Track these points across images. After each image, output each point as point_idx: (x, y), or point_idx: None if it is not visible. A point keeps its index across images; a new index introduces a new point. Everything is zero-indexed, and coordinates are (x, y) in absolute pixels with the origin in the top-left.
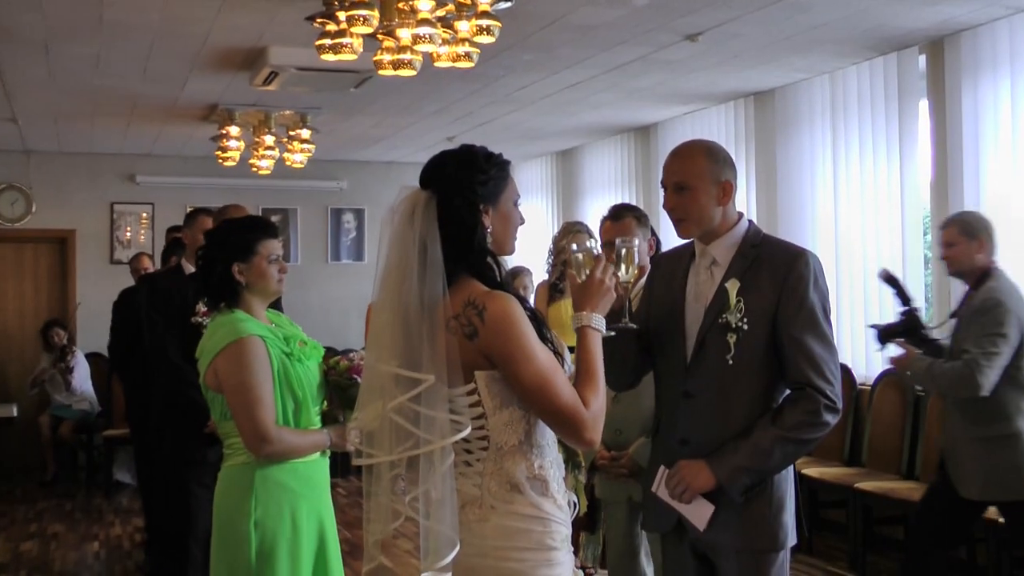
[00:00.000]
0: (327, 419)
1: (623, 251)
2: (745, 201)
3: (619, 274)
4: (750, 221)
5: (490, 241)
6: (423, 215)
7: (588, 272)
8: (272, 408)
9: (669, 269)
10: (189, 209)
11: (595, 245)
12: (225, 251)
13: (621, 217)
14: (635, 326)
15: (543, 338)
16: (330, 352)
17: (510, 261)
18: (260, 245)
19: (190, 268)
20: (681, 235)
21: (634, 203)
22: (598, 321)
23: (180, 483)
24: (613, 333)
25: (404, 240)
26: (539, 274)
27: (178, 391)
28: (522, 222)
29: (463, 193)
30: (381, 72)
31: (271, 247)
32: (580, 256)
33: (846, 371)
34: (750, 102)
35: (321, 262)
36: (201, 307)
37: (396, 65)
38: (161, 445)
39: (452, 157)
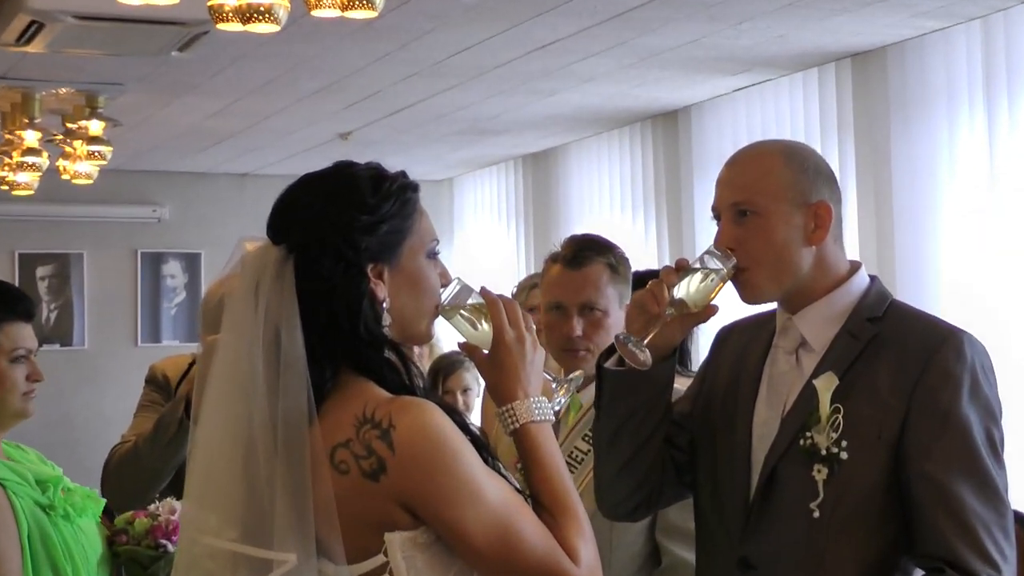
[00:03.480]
0: None
1: (698, 273)
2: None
3: (675, 291)
4: (872, 278)
5: (388, 322)
6: (272, 287)
7: (491, 331)
8: None
9: (738, 348)
10: None
11: (459, 286)
12: None
13: (582, 262)
14: (648, 359)
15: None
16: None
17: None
18: None
19: None
20: (746, 297)
21: (654, 236)
22: (541, 408)
23: None
24: (622, 368)
25: (243, 328)
26: None
27: None
28: (445, 282)
29: (336, 247)
30: (221, 26)
31: (17, 335)
32: (466, 313)
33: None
34: (845, 68)
35: (125, 343)
36: None
37: (246, 14)
38: None
39: (317, 187)
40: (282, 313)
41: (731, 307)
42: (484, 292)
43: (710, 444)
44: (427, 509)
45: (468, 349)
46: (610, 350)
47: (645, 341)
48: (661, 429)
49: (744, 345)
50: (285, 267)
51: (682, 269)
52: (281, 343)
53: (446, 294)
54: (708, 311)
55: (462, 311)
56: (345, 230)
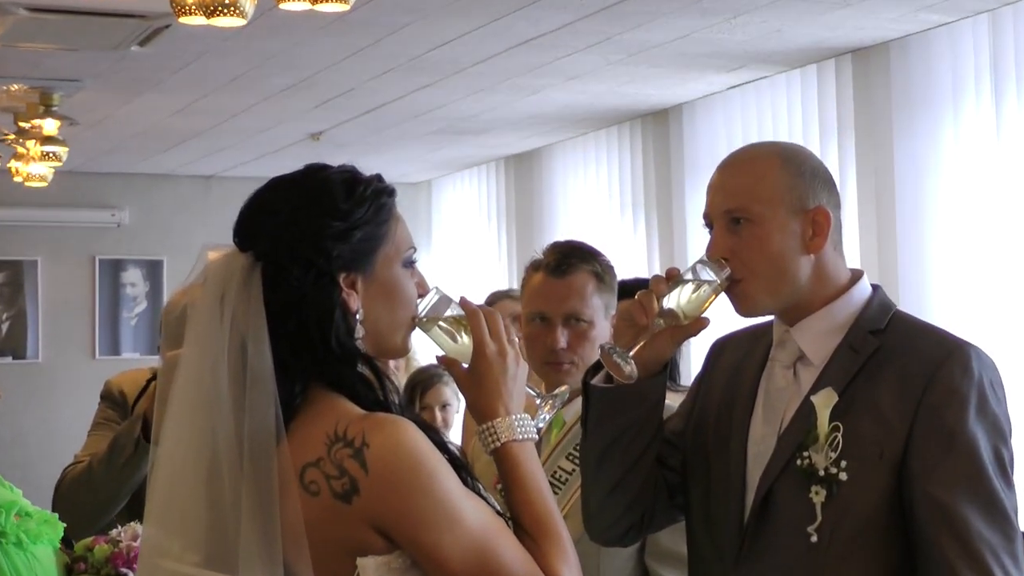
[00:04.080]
0: None
1: (690, 284)
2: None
3: (665, 302)
4: (875, 287)
5: (362, 334)
6: (239, 297)
7: (471, 344)
8: None
9: (733, 362)
10: None
11: (438, 296)
12: None
13: (567, 270)
14: (633, 371)
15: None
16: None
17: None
18: None
19: None
20: (741, 309)
21: (643, 242)
22: (524, 426)
23: None
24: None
25: (207, 342)
26: None
27: None
28: (423, 292)
29: (306, 255)
30: (184, 19)
31: None
32: (445, 325)
33: None
34: (845, 65)
35: (82, 356)
36: None
37: (210, 7)
38: None
39: (286, 191)
40: (249, 325)
41: (725, 318)
42: (464, 302)
43: (703, 464)
44: (402, 533)
45: (447, 363)
46: (596, 366)
47: (631, 353)
48: (652, 448)
49: (739, 359)
50: (252, 276)
51: (672, 279)
52: (248, 357)
53: (423, 305)
54: (699, 324)
55: (441, 323)
56: (316, 237)
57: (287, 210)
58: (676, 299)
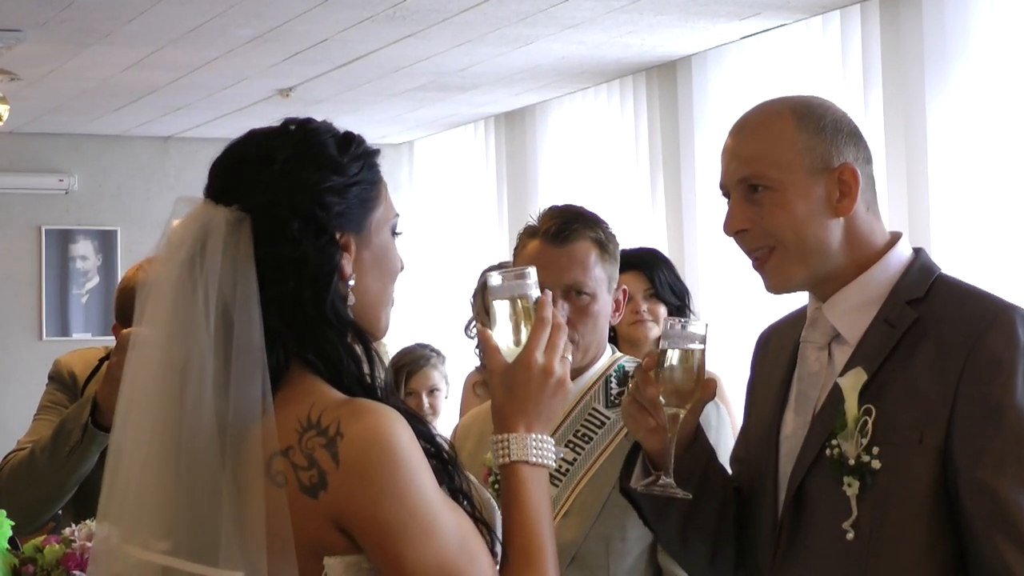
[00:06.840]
0: None
1: (675, 355)
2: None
3: (663, 396)
4: (917, 251)
5: (352, 302)
6: (224, 256)
7: (523, 340)
8: None
9: (776, 351)
10: None
11: (531, 280)
12: None
13: (568, 237)
14: (687, 494)
15: (455, 490)
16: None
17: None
18: None
19: None
20: (771, 284)
21: (648, 207)
22: (540, 447)
23: None
24: (656, 489)
25: (180, 308)
26: (459, 362)
27: None
28: (400, 267)
29: (307, 209)
30: None
31: None
32: (519, 306)
33: None
34: (872, 10)
35: (28, 337)
36: None
37: None
38: None
39: (275, 142)
40: (237, 286)
41: (760, 304)
42: (543, 304)
43: (751, 467)
44: (365, 536)
45: (484, 338)
46: (629, 463)
47: (672, 475)
48: (728, 502)
49: (780, 347)
50: (240, 231)
51: (654, 367)
52: (234, 326)
53: (509, 272)
54: (708, 389)
55: (517, 301)
56: (314, 190)
57: (281, 159)
58: (670, 384)
